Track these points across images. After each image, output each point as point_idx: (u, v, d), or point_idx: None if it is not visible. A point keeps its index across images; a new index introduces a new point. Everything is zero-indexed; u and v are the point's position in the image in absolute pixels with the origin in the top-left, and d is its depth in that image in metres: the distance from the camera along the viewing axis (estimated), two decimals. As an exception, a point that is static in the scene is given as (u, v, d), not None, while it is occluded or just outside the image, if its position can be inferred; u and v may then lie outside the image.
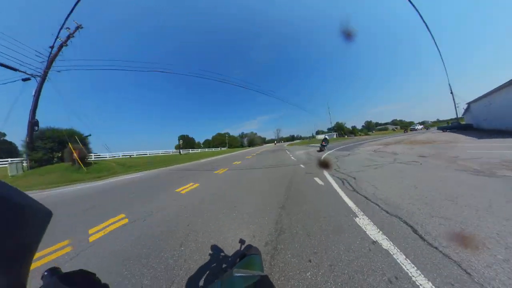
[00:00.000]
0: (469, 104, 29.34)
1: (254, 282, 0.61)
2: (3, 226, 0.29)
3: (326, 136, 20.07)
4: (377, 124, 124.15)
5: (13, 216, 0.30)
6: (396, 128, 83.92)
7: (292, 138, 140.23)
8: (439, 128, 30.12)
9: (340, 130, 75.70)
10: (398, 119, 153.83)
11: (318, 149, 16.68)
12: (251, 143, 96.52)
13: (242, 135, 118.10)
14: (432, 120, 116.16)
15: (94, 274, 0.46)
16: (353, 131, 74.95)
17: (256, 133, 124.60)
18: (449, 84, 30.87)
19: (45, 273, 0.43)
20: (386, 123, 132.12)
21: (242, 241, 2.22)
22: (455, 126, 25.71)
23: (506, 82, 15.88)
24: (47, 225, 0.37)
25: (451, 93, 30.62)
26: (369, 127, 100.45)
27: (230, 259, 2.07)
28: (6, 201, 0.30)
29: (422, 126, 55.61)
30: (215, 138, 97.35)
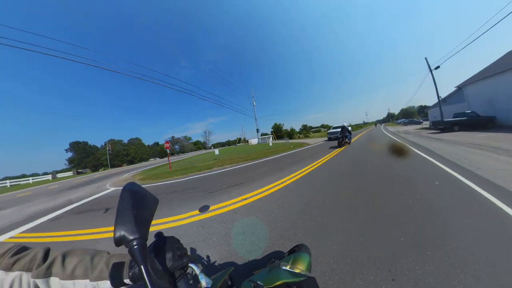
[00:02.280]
0: (460, 87, 19.72)
1: (299, 280, 0.60)
2: (139, 205, 0.49)
3: (345, 124, 13.79)
4: (310, 127, 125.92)
5: (140, 200, 0.51)
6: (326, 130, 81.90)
7: (238, 141, 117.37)
8: (434, 124, 16.91)
9: (277, 131, 63.62)
10: (324, 123, 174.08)
11: (336, 144, 12.22)
12: (165, 153, 65.35)
13: (173, 140, 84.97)
14: (356, 123, 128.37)
15: (179, 240, 0.61)
16: (291, 133, 63.83)
17: (190, 138, 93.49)
18: (427, 62, 20.36)
19: (155, 234, 0.60)
20: (317, 127, 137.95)
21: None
22: (470, 121, 13.94)
23: None
24: (157, 206, 0.56)
25: (432, 73, 20.05)
26: (305, 129, 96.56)
27: (279, 251, 2.11)
28: (136, 192, 0.51)
29: (350, 127, 49.39)
30: (108, 146, 62.44)
